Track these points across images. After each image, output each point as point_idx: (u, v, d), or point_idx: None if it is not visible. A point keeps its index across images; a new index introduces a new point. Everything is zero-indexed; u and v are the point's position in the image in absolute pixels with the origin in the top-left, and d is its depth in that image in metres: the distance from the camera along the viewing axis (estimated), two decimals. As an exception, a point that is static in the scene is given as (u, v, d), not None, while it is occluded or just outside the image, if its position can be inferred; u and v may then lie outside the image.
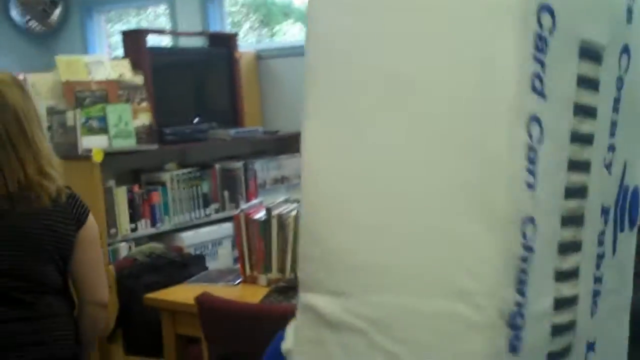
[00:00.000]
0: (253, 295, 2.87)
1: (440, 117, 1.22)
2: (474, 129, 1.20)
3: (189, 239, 4.22)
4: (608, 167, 1.46)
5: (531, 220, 1.21)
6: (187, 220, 4.27)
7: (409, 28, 1.26)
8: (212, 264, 3.75)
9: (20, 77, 6.18)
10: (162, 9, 6.27)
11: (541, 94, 1.22)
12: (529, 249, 1.21)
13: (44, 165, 1.95)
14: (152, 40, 4.65)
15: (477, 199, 1.19)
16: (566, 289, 1.33)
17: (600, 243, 1.46)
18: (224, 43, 4.98)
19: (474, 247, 1.19)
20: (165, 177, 4.23)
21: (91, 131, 4.06)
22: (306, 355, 1.34)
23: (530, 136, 1.20)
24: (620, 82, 1.47)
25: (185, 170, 4.33)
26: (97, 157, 3.86)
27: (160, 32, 5.16)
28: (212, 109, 4.83)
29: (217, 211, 4.40)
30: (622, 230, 1.54)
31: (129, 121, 4.13)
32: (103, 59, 4.38)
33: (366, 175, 1.29)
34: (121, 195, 4.03)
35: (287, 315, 1.55)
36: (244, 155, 4.66)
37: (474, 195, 1.19)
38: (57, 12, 6.60)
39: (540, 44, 1.22)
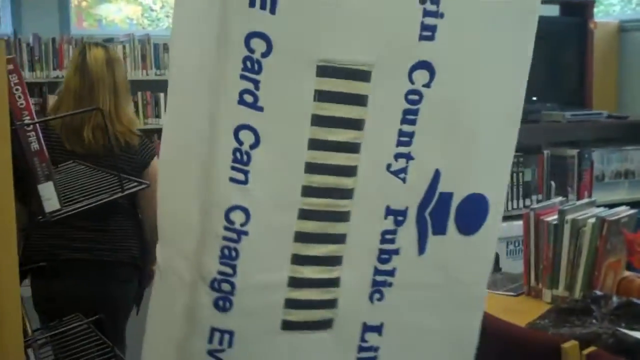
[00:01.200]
0: (529, 312, 2.42)
1: (191, 125, 1.56)
2: (201, 140, 1.51)
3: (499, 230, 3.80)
4: (399, 173, 1.57)
5: (240, 208, 1.49)
6: (501, 209, 3.86)
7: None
8: (510, 264, 3.32)
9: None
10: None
11: (254, 106, 1.45)
12: (237, 231, 1.50)
13: (113, 123, 2.60)
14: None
15: (200, 189, 1.52)
16: (310, 271, 1.56)
17: (388, 241, 1.61)
18: (578, 11, 4.38)
19: (193, 224, 1.54)
20: (482, 158, 3.86)
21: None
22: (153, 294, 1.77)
23: (240, 141, 1.46)
24: (415, 95, 1.54)
25: (507, 154, 3.91)
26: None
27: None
28: (556, 87, 4.29)
29: (539, 203, 3.90)
30: (440, 232, 1.64)
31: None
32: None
33: (174, 154, 1.66)
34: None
35: (547, 350, 1.74)
36: (581, 142, 4.05)
37: (199, 186, 1.52)
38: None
39: (251, 65, 1.43)
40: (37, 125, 1.68)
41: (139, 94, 5.63)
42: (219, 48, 1.46)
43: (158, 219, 1.72)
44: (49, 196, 1.69)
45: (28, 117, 1.64)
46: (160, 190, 1.71)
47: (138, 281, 2.75)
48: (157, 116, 5.74)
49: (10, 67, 1.59)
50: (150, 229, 2.61)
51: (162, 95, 5.66)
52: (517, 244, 3.78)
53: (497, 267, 3.07)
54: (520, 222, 3.74)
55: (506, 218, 3.82)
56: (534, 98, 4.05)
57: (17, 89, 1.61)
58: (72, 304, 2.33)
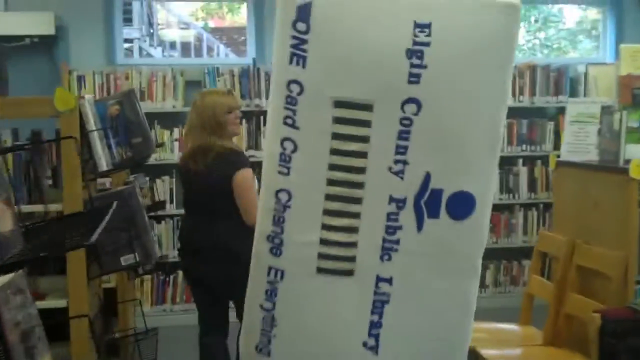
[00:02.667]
0: None
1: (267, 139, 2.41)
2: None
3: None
4: (398, 173, 2.25)
5: (285, 191, 2.28)
6: None
7: None
8: None
9: (582, 68, 5.52)
10: None
11: (293, 126, 2.25)
12: (283, 206, 2.29)
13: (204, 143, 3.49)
14: None
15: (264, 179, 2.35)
16: (335, 236, 2.29)
17: (392, 219, 2.28)
18: None
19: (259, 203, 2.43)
20: None
21: (643, 138, 3.31)
22: None
23: (284, 148, 2.26)
24: (407, 121, 2.20)
25: None
26: (635, 172, 3.10)
27: None
28: None
29: None
30: (434, 217, 2.28)
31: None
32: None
33: None
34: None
35: None
36: None
37: (265, 177, 2.35)
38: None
39: (290, 100, 2.23)
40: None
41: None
42: (273, 89, 2.29)
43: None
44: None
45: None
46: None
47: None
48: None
49: None
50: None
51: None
52: None
53: None
54: None
55: None
56: None
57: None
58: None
